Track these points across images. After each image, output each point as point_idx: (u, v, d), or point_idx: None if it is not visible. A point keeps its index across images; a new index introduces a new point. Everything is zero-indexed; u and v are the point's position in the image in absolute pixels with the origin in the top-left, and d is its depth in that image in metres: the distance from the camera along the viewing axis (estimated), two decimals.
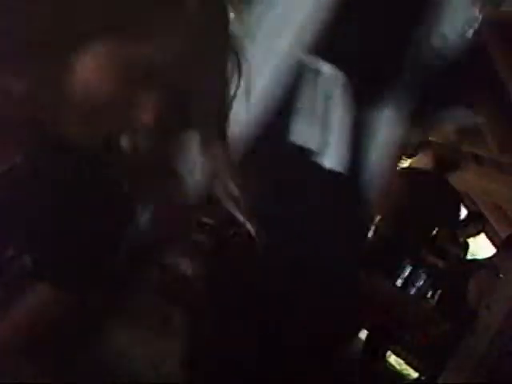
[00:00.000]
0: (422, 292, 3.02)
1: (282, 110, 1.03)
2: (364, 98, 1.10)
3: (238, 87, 0.67)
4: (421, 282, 2.96)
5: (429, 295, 3.53)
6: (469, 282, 3.15)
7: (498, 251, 3.75)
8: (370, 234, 3.62)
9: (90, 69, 0.57)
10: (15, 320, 0.70)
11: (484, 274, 3.08)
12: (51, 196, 0.70)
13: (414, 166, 3.87)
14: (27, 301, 0.71)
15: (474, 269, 3.25)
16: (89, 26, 0.56)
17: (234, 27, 0.65)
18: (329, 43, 1.05)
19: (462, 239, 3.93)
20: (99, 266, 0.70)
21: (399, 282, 2.95)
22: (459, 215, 3.63)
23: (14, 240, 0.71)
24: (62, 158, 0.68)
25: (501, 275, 2.92)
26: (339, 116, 1.06)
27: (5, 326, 0.69)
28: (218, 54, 0.64)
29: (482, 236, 7.45)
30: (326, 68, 1.07)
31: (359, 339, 4.24)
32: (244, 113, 0.72)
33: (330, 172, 1.03)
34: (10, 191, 0.70)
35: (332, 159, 1.04)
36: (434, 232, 3.44)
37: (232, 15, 0.65)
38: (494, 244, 6.79)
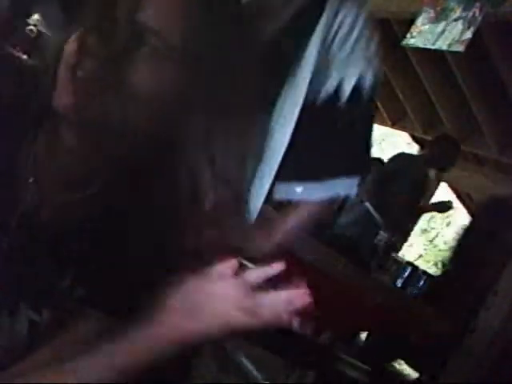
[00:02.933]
0: (421, 292, 3.02)
1: None
2: None
3: None
4: (421, 282, 2.96)
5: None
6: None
7: None
8: None
9: None
10: (62, 345, 0.71)
11: None
12: (107, 224, 0.72)
13: None
14: (77, 328, 0.72)
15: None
16: None
17: None
18: None
19: None
20: (151, 296, 0.71)
21: (399, 282, 2.96)
22: None
23: (69, 270, 0.73)
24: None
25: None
26: None
27: (51, 350, 0.71)
28: None
29: None
30: None
31: (359, 339, 4.24)
32: None
33: None
34: (76, 218, 0.72)
35: None
36: None
37: None
38: None
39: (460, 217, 10.77)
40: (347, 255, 2.79)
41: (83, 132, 0.69)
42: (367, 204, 3.72)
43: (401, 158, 4.16)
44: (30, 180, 0.74)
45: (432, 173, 3.99)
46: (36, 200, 0.74)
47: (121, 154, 0.69)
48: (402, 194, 3.67)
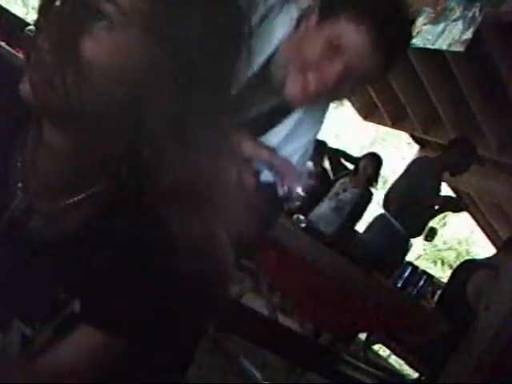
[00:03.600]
0: (421, 292, 3.02)
1: None
2: None
3: None
4: (421, 282, 2.96)
5: (429, 295, 3.53)
6: (468, 283, 3.14)
7: (498, 251, 3.75)
8: None
9: None
10: (58, 359, 0.70)
11: (484, 274, 3.08)
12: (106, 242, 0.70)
13: None
14: (72, 341, 0.71)
15: (474, 269, 3.24)
16: None
17: None
18: None
19: None
20: (149, 310, 0.70)
21: (399, 282, 2.95)
22: None
23: (65, 284, 0.71)
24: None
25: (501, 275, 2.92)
26: None
27: (46, 362, 0.69)
28: None
29: (482, 236, 7.46)
30: None
31: (359, 339, 4.24)
32: None
33: None
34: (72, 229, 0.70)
35: None
36: None
37: None
38: (493, 244, 6.79)
39: (458, 217, 10.78)
40: (373, 267, 2.80)
41: (60, 127, 0.65)
42: (386, 213, 3.74)
43: (417, 163, 4.07)
44: (19, 185, 0.70)
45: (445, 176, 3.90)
46: (24, 206, 0.70)
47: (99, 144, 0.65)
48: (420, 199, 3.63)
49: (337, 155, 4.59)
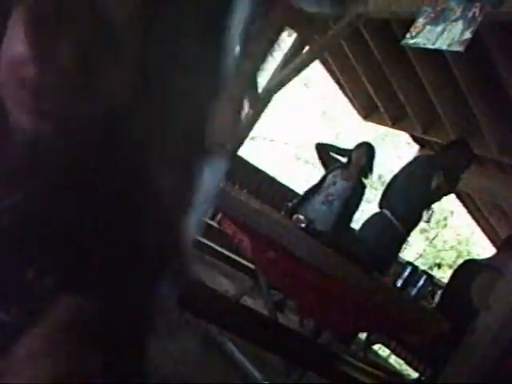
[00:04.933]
0: (421, 292, 3.02)
1: None
2: None
3: None
4: (421, 282, 2.96)
5: (429, 295, 3.53)
6: (472, 285, 3.14)
7: (497, 251, 3.75)
8: None
9: None
10: (40, 332, 0.69)
11: (488, 277, 3.08)
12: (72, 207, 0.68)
13: None
14: (51, 315, 0.70)
15: (477, 270, 3.24)
16: None
17: None
18: None
19: None
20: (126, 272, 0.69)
21: (399, 282, 2.95)
22: None
23: (32, 261, 0.70)
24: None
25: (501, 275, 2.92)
26: None
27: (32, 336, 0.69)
28: None
29: (482, 236, 7.46)
30: None
31: (359, 339, 4.25)
32: None
33: None
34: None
35: None
36: None
37: None
38: (493, 244, 6.80)
39: (459, 217, 10.79)
40: (372, 266, 2.79)
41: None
42: (385, 211, 3.71)
43: (415, 161, 4.06)
44: None
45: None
46: None
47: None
48: (418, 196, 3.62)
49: (325, 149, 4.38)
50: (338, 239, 3.28)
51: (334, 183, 4.09)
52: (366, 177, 4.19)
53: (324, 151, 4.32)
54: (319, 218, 3.80)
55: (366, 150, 4.16)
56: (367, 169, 4.14)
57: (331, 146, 4.42)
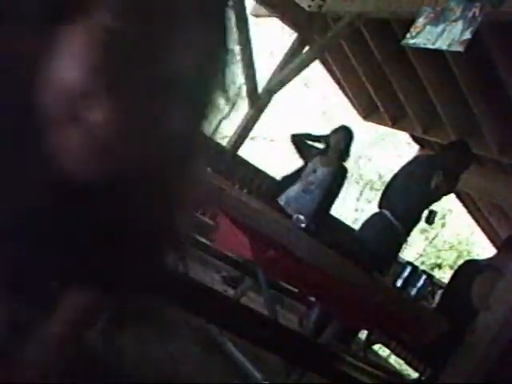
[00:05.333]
0: (421, 292, 3.02)
1: None
2: None
3: None
4: (421, 282, 2.96)
5: (429, 295, 3.53)
6: (473, 285, 3.14)
7: (498, 251, 3.75)
8: None
9: None
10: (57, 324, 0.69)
11: (489, 277, 3.07)
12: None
13: None
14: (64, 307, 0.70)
15: (478, 271, 3.24)
16: None
17: None
18: None
19: None
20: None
21: (399, 282, 2.95)
22: None
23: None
24: None
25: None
26: None
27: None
28: None
29: (482, 236, 7.46)
30: None
31: (359, 339, 4.25)
32: None
33: None
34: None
35: None
36: None
37: None
38: (493, 244, 6.79)
39: (459, 217, 10.79)
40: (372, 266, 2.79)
41: None
42: (385, 211, 3.71)
43: (416, 161, 4.06)
44: None
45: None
46: None
47: None
48: (418, 195, 3.61)
49: (301, 138, 4.31)
50: (319, 226, 3.24)
51: (315, 171, 4.06)
52: (344, 160, 4.14)
53: (300, 141, 4.28)
54: (300, 206, 3.80)
55: (345, 134, 4.12)
56: (345, 152, 4.10)
57: (307, 134, 4.34)
